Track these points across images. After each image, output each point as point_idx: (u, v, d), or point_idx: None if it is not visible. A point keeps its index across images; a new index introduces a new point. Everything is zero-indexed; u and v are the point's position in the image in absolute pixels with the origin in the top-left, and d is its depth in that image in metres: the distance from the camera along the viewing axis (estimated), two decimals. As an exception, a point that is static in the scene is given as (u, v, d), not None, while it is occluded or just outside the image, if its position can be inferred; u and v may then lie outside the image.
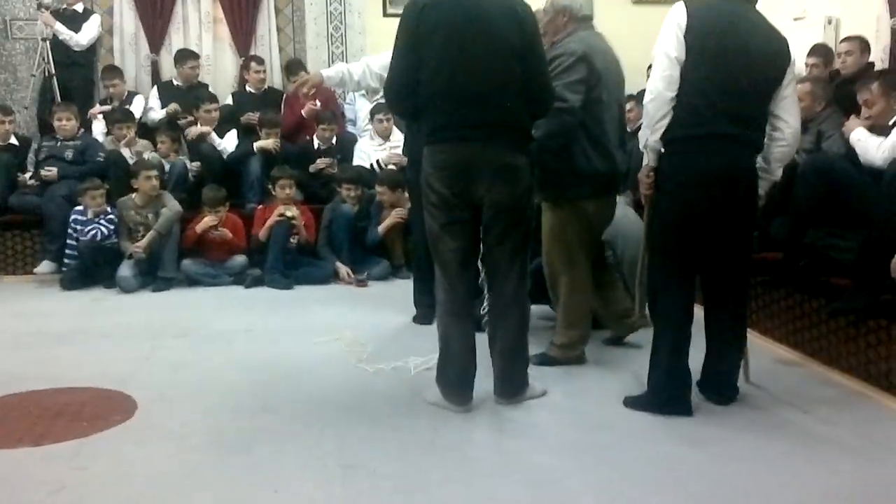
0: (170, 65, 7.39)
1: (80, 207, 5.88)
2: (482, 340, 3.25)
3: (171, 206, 5.88)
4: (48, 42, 6.80)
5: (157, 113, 6.99)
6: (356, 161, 6.62)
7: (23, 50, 7.31)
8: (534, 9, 3.24)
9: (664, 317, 3.11)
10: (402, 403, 3.27)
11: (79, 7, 7.12)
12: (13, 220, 6.22)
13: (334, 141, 6.70)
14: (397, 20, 3.13)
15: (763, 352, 3.97)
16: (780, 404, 3.23)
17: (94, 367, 3.76)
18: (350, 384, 3.53)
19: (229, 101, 7.19)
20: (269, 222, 5.86)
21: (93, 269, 5.82)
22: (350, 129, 7.27)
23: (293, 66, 7.17)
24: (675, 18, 2.96)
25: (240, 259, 5.97)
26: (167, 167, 6.33)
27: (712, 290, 3.18)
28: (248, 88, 7.25)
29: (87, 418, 3.13)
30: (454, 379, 3.17)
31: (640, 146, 3.09)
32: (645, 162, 3.11)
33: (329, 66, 7.57)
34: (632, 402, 3.18)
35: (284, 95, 7.33)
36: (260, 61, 7.27)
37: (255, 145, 6.43)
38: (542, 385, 3.37)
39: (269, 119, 6.61)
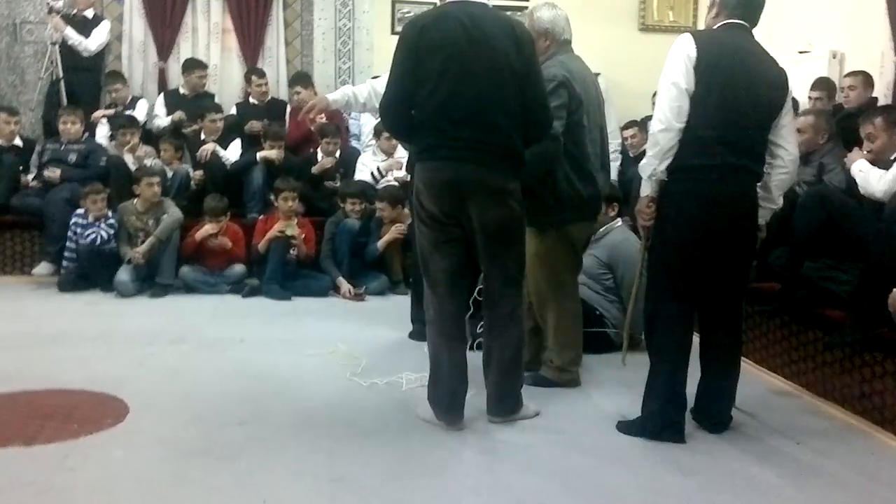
0: (177, 73, 7.42)
1: (80, 211, 5.88)
2: (475, 357, 3.25)
3: (172, 213, 5.89)
4: (57, 46, 6.84)
5: (163, 120, 7.03)
6: (358, 174, 6.64)
7: (31, 53, 7.35)
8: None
9: (663, 345, 3.09)
10: (394, 419, 3.26)
11: (89, 13, 7.16)
12: (14, 221, 6.22)
13: (338, 154, 6.72)
14: (403, 39, 3.14)
15: (757, 381, 3.97)
16: (773, 434, 3.22)
17: (88, 371, 3.76)
18: (343, 397, 3.52)
19: (233, 111, 7.21)
20: (268, 235, 5.86)
21: (91, 272, 5.82)
22: (354, 143, 7.29)
23: (300, 79, 7.21)
24: (685, 50, 2.97)
25: (238, 268, 5.97)
26: (169, 174, 6.35)
27: (708, 318, 3.18)
28: (251, 100, 7.29)
29: (77, 421, 3.12)
30: (445, 399, 3.17)
31: (645, 175, 3.07)
32: (645, 192, 3.10)
33: (336, 80, 7.65)
34: (625, 428, 3.17)
35: (289, 108, 7.36)
36: (261, 74, 7.31)
37: (259, 155, 6.45)
38: (536, 406, 3.36)
39: (274, 132, 6.63)
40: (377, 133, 6.73)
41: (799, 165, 4.43)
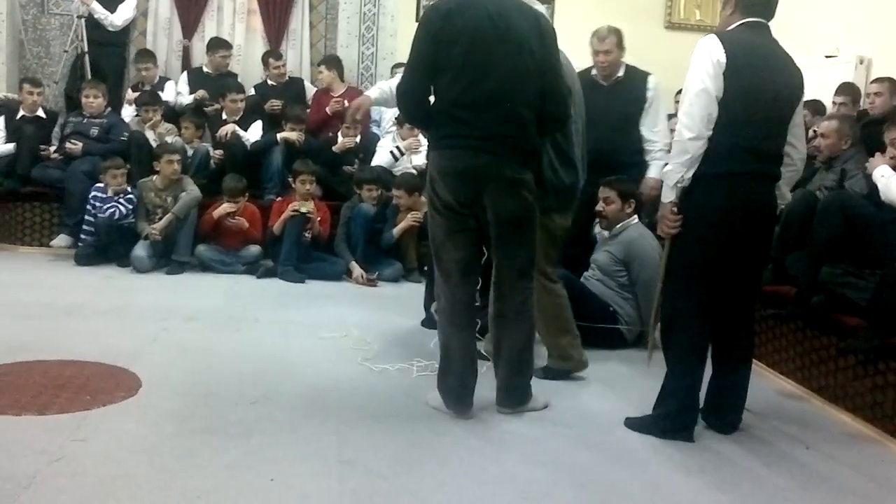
0: (201, 52, 7.45)
1: (100, 185, 5.92)
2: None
3: (191, 190, 5.92)
4: (83, 20, 6.88)
5: (186, 98, 7.05)
6: (377, 156, 6.64)
7: (57, 25, 7.39)
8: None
9: (681, 347, 3.08)
10: (404, 405, 3.28)
11: (116, -13, 7.20)
12: (34, 193, 6.28)
13: (358, 139, 6.72)
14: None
15: (769, 384, 3.96)
16: (782, 438, 3.22)
17: (102, 343, 3.79)
18: (353, 381, 3.54)
19: (252, 92, 7.23)
20: (283, 216, 5.88)
21: (108, 246, 5.87)
22: (374, 129, 7.30)
23: (327, 61, 7.23)
24: (714, 55, 2.91)
25: (254, 249, 6.00)
26: (190, 152, 6.38)
27: (722, 319, 3.17)
28: (269, 81, 7.31)
29: (91, 392, 3.15)
30: (454, 388, 3.18)
31: (671, 183, 3.01)
32: (669, 198, 3.04)
33: (358, 65, 7.65)
34: (635, 425, 3.17)
35: (312, 91, 7.37)
36: (278, 56, 7.32)
37: (280, 136, 6.46)
38: (545, 398, 3.36)
39: (295, 115, 6.64)
40: (399, 122, 6.72)
41: (821, 171, 4.46)
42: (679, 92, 3.18)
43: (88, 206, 5.91)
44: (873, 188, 3.91)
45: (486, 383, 3.28)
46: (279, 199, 6.21)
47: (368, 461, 2.69)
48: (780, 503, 2.61)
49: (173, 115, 6.87)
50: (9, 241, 6.33)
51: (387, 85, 3.94)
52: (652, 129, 4.77)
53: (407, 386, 3.53)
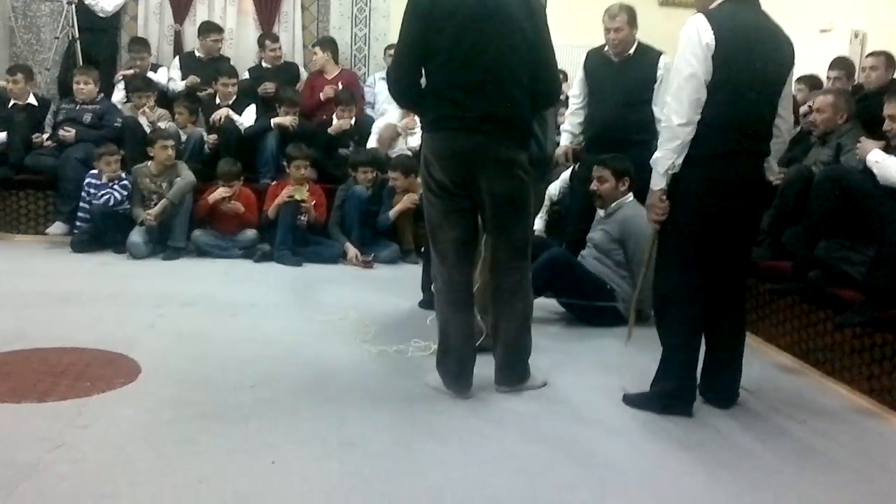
0: (193, 36, 7.41)
1: (94, 171, 5.90)
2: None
3: (185, 176, 5.90)
4: (73, 6, 6.83)
5: (178, 84, 7.01)
6: (372, 138, 6.62)
7: (48, 12, 7.35)
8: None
9: (676, 323, 3.09)
10: (403, 386, 3.29)
11: (105, -27, 7.14)
12: (28, 180, 6.25)
13: (353, 121, 6.70)
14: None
15: (766, 359, 3.98)
16: (779, 412, 3.23)
17: (100, 330, 3.79)
18: (352, 363, 3.55)
19: (247, 75, 7.19)
20: (277, 200, 5.87)
21: (104, 233, 5.86)
22: (369, 111, 7.27)
23: (321, 42, 7.20)
24: (703, 37, 2.87)
25: (250, 233, 5.99)
26: (183, 137, 6.35)
27: (715, 296, 3.17)
28: (263, 64, 7.27)
29: (90, 379, 3.16)
30: (453, 368, 3.19)
31: (661, 170, 2.98)
32: (659, 186, 3.02)
33: (351, 46, 7.62)
34: (632, 401, 3.18)
35: (305, 74, 7.34)
36: (274, 39, 7.28)
37: (273, 121, 6.44)
38: (544, 377, 3.38)
39: (289, 98, 6.61)
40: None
41: (816, 146, 4.45)
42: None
43: (83, 193, 5.89)
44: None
45: (485, 363, 3.29)
46: (274, 182, 6.19)
47: (369, 442, 2.70)
48: (778, 477, 2.63)
49: (166, 100, 6.84)
50: (4, 230, 6.31)
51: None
52: (663, 108, 4.77)
53: (406, 367, 3.54)
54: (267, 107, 6.74)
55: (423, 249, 4.93)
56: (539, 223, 5.81)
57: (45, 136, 6.30)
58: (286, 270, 5.57)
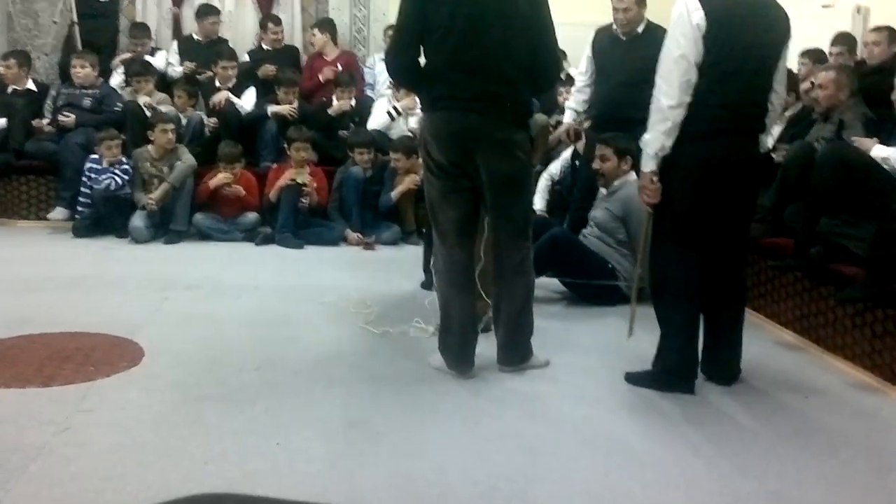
0: (191, 19, 7.37)
1: (95, 156, 5.91)
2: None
3: (186, 159, 5.90)
4: (72, -10, 6.81)
5: (177, 69, 6.98)
6: (373, 117, 6.60)
7: (46, -4, 7.31)
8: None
9: (676, 305, 3.09)
10: (406, 366, 3.30)
11: (103, -44, 7.10)
12: (29, 166, 6.26)
13: (353, 103, 6.68)
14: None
15: (768, 335, 3.99)
16: (781, 389, 3.24)
17: (104, 315, 3.81)
18: (355, 345, 3.56)
19: (247, 58, 7.16)
20: (278, 183, 5.87)
21: (105, 218, 5.87)
22: (369, 93, 7.25)
23: (321, 24, 7.16)
24: (692, 17, 2.85)
25: (252, 216, 6.00)
26: (184, 121, 6.34)
27: (713, 274, 3.17)
28: (264, 46, 7.23)
29: (95, 363, 3.17)
30: (455, 348, 3.20)
31: (651, 151, 2.98)
32: (650, 167, 3.01)
33: (350, 28, 7.58)
34: (634, 379, 3.19)
35: (305, 57, 7.31)
36: (277, 21, 7.24)
37: (270, 110, 6.40)
38: (546, 356, 3.39)
39: (288, 78, 6.59)
40: (397, 86, 6.67)
41: (818, 122, 4.44)
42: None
43: (84, 178, 5.90)
44: (872, 139, 3.89)
45: (487, 343, 3.30)
46: (275, 165, 6.18)
47: (373, 422, 2.72)
48: (780, 452, 2.64)
49: (165, 84, 6.82)
50: (6, 216, 6.33)
51: None
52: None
53: (408, 347, 3.55)
54: (266, 89, 6.72)
55: (424, 230, 4.93)
56: (540, 202, 5.80)
57: (45, 121, 6.30)
58: (288, 253, 5.58)
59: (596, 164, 4.58)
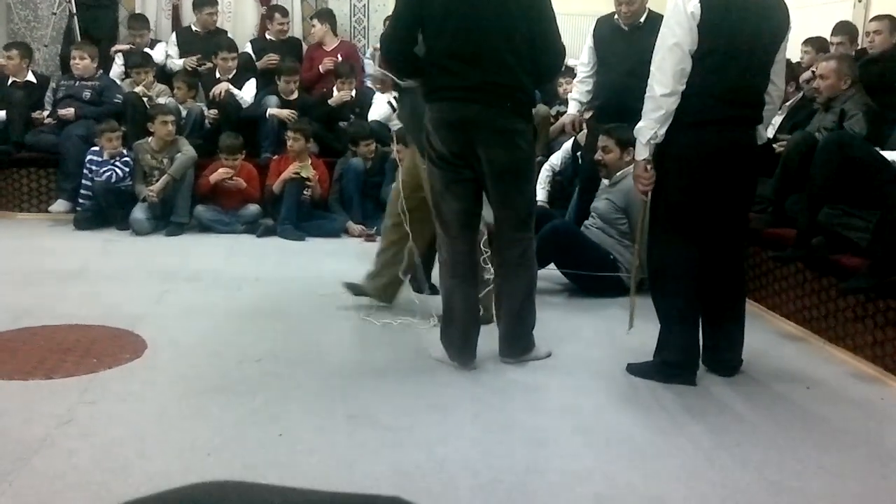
0: (191, 10, 7.34)
1: (96, 148, 5.90)
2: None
3: (186, 151, 5.90)
4: (70, -19, 6.79)
5: (176, 62, 6.95)
6: (373, 109, 6.59)
7: (45, -13, 7.29)
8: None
9: (675, 296, 3.09)
10: (407, 358, 3.31)
11: (102, -53, 7.08)
12: (30, 158, 6.25)
13: (354, 93, 6.67)
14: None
15: (769, 326, 3.99)
16: (782, 379, 3.25)
17: (106, 307, 3.81)
18: (357, 337, 3.57)
19: (248, 48, 7.15)
20: (283, 176, 5.86)
21: (106, 210, 5.87)
22: (369, 83, 7.22)
23: (320, 14, 7.14)
24: (687, 6, 2.85)
25: (253, 208, 6.00)
26: (184, 113, 6.33)
27: (712, 265, 3.17)
28: (267, 36, 7.21)
29: (96, 355, 3.18)
30: (457, 340, 3.20)
31: (644, 139, 2.98)
32: (643, 155, 3.01)
33: (350, 18, 7.55)
34: (636, 370, 3.19)
35: (306, 48, 7.29)
36: (284, 13, 7.21)
37: (269, 112, 6.37)
38: (548, 347, 3.39)
39: (289, 67, 6.57)
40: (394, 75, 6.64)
41: (819, 112, 4.43)
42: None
43: (85, 171, 5.90)
44: (872, 129, 3.88)
45: (489, 334, 3.30)
46: (276, 157, 6.18)
47: (375, 414, 2.72)
48: (780, 443, 2.64)
49: (164, 76, 6.80)
50: (7, 208, 6.32)
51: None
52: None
53: (409, 339, 3.55)
54: (267, 81, 6.70)
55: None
56: (541, 194, 5.79)
57: (46, 113, 6.29)
58: (289, 245, 5.58)
59: (598, 156, 4.58)
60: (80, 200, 5.94)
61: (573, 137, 5.67)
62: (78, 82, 6.33)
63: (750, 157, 3.07)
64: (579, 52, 5.11)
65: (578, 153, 5.62)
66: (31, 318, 3.61)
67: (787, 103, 4.87)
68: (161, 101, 6.28)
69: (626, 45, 4.69)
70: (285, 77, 6.49)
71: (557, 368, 3.26)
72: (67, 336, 3.39)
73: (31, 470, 2.25)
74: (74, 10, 6.80)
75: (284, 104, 6.42)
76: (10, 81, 6.32)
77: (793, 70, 4.94)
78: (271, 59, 6.82)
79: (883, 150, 3.73)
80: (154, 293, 4.11)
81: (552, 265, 4.43)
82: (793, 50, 4.32)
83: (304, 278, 4.59)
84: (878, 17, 5.24)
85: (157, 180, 5.81)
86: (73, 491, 2.16)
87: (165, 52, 7.02)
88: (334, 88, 6.62)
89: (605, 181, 4.66)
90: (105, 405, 2.71)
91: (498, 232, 3.22)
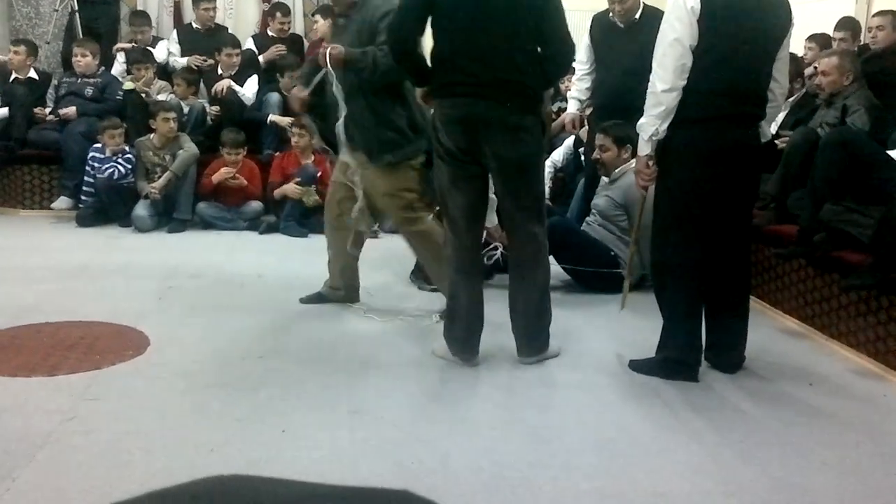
0: (191, 8, 7.34)
1: (98, 145, 5.90)
2: (492, 297, 3.27)
3: (188, 148, 5.90)
4: (71, -22, 6.78)
5: (178, 60, 6.92)
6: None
7: (47, -16, 7.29)
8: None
9: (677, 294, 3.09)
10: (410, 354, 3.31)
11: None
12: (32, 155, 6.25)
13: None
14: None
15: (771, 323, 3.99)
16: (785, 376, 3.25)
17: (109, 304, 3.82)
18: (359, 333, 3.57)
19: (249, 44, 7.13)
20: (287, 192, 5.82)
21: (109, 207, 5.87)
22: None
23: (322, 10, 7.12)
24: (688, 2, 2.85)
25: (255, 205, 6.00)
26: (186, 109, 6.33)
27: (716, 262, 3.17)
28: (269, 33, 7.21)
29: (100, 352, 3.18)
30: (461, 335, 3.20)
31: (646, 136, 2.99)
32: (645, 151, 3.02)
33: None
34: (638, 367, 3.19)
35: (307, 44, 7.28)
36: (286, 12, 7.20)
37: (270, 118, 6.34)
38: (558, 345, 3.37)
39: (290, 63, 6.55)
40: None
41: (822, 108, 4.42)
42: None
43: (87, 168, 5.90)
44: (874, 125, 3.88)
45: (491, 331, 3.30)
46: (278, 154, 6.18)
47: (378, 410, 2.72)
48: (783, 439, 2.64)
49: (165, 73, 6.80)
50: (9, 205, 6.33)
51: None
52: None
53: (411, 336, 3.55)
54: (269, 77, 6.70)
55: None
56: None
57: (48, 110, 6.29)
58: (292, 241, 5.58)
59: (595, 154, 4.58)
60: (83, 197, 5.95)
61: (575, 135, 5.67)
62: (80, 79, 6.34)
63: (753, 153, 3.06)
64: (578, 49, 5.09)
65: (581, 149, 5.62)
66: (34, 314, 3.61)
67: (790, 99, 4.86)
68: (162, 97, 6.28)
69: (624, 43, 4.67)
70: (288, 73, 6.47)
71: (560, 364, 3.26)
72: (70, 333, 3.40)
73: (34, 466, 2.25)
74: (76, 7, 6.79)
75: (286, 101, 6.40)
76: (12, 78, 6.32)
77: (798, 65, 4.93)
78: (279, 48, 6.82)
79: (887, 149, 3.71)
80: (157, 290, 4.12)
81: (553, 261, 4.42)
82: (797, 46, 4.31)
83: (307, 275, 4.57)
84: (880, 13, 5.23)
85: (160, 177, 5.81)
86: (76, 487, 2.16)
87: (167, 49, 7.02)
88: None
89: (604, 178, 4.66)
90: (108, 402, 2.72)
91: (510, 230, 3.22)
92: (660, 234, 3.13)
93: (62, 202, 6.04)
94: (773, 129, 3.19)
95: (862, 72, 4.43)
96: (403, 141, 3.53)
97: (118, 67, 6.81)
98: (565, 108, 5.36)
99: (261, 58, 6.87)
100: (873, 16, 5.38)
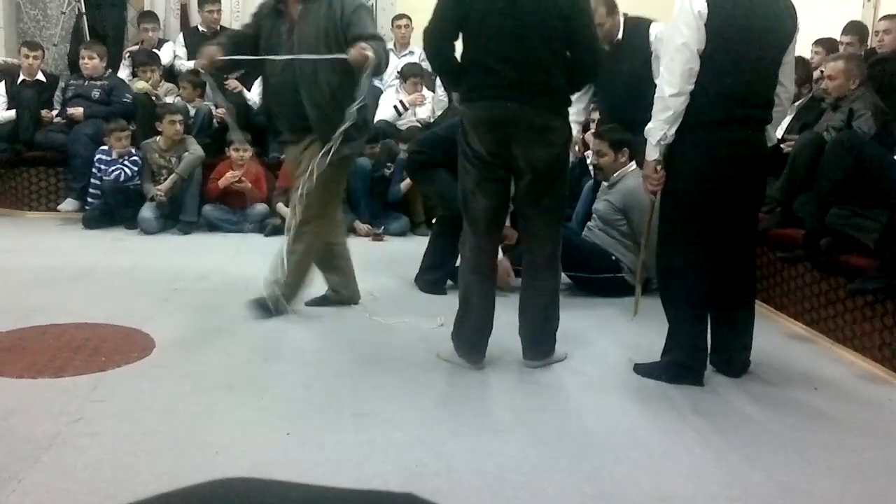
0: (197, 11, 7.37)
1: (105, 147, 5.92)
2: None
3: (194, 150, 5.91)
4: (79, -20, 6.81)
5: (185, 63, 6.94)
6: (380, 111, 6.59)
7: (53, -13, 7.32)
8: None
9: (683, 298, 3.09)
10: (415, 357, 3.31)
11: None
12: (39, 157, 6.28)
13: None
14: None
15: (777, 327, 3.98)
16: (790, 380, 3.24)
17: (114, 306, 3.82)
18: (364, 336, 3.57)
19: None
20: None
21: (115, 209, 5.89)
22: (376, 83, 7.22)
23: None
24: (694, 6, 2.85)
25: (261, 207, 6.01)
26: (192, 112, 6.35)
27: (722, 266, 3.16)
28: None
29: (105, 354, 3.19)
30: (470, 336, 3.20)
31: (654, 140, 2.99)
32: (653, 156, 3.02)
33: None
34: (643, 370, 3.19)
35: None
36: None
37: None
38: (564, 349, 3.37)
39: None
40: (404, 76, 6.65)
41: (828, 112, 4.42)
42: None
43: (94, 170, 5.92)
44: (881, 128, 3.87)
45: (497, 334, 3.30)
46: (284, 156, 6.17)
47: (382, 413, 2.73)
48: (789, 443, 2.64)
49: (171, 76, 6.82)
50: (16, 207, 6.36)
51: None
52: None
53: (416, 339, 3.55)
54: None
55: (433, 221, 4.92)
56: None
57: (55, 112, 6.31)
58: (297, 244, 5.58)
59: (593, 160, 4.60)
60: (89, 199, 5.97)
61: (581, 137, 5.65)
62: (87, 82, 6.36)
63: (759, 157, 3.06)
64: None
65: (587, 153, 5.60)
66: (40, 316, 3.62)
67: (797, 103, 4.85)
68: (168, 100, 6.30)
69: (612, 63, 4.59)
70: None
71: (564, 368, 3.26)
72: (76, 335, 3.41)
73: (40, 467, 2.26)
74: (83, 10, 6.82)
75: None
76: (20, 80, 6.34)
77: (806, 69, 4.92)
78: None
79: (893, 153, 3.70)
80: (162, 292, 4.13)
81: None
82: (803, 51, 4.30)
83: (312, 278, 4.58)
84: (887, 17, 5.23)
85: (166, 179, 5.83)
86: (81, 489, 2.17)
87: (173, 52, 7.04)
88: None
89: (604, 183, 4.67)
90: (114, 403, 2.72)
91: (527, 231, 3.23)
92: (666, 237, 3.13)
93: (69, 204, 6.06)
94: (779, 133, 3.18)
95: (868, 76, 4.42)
96: (357, 135, 3.58)
97: (125, 70, 6.84)
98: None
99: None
100: (880, 20, 5.38)
